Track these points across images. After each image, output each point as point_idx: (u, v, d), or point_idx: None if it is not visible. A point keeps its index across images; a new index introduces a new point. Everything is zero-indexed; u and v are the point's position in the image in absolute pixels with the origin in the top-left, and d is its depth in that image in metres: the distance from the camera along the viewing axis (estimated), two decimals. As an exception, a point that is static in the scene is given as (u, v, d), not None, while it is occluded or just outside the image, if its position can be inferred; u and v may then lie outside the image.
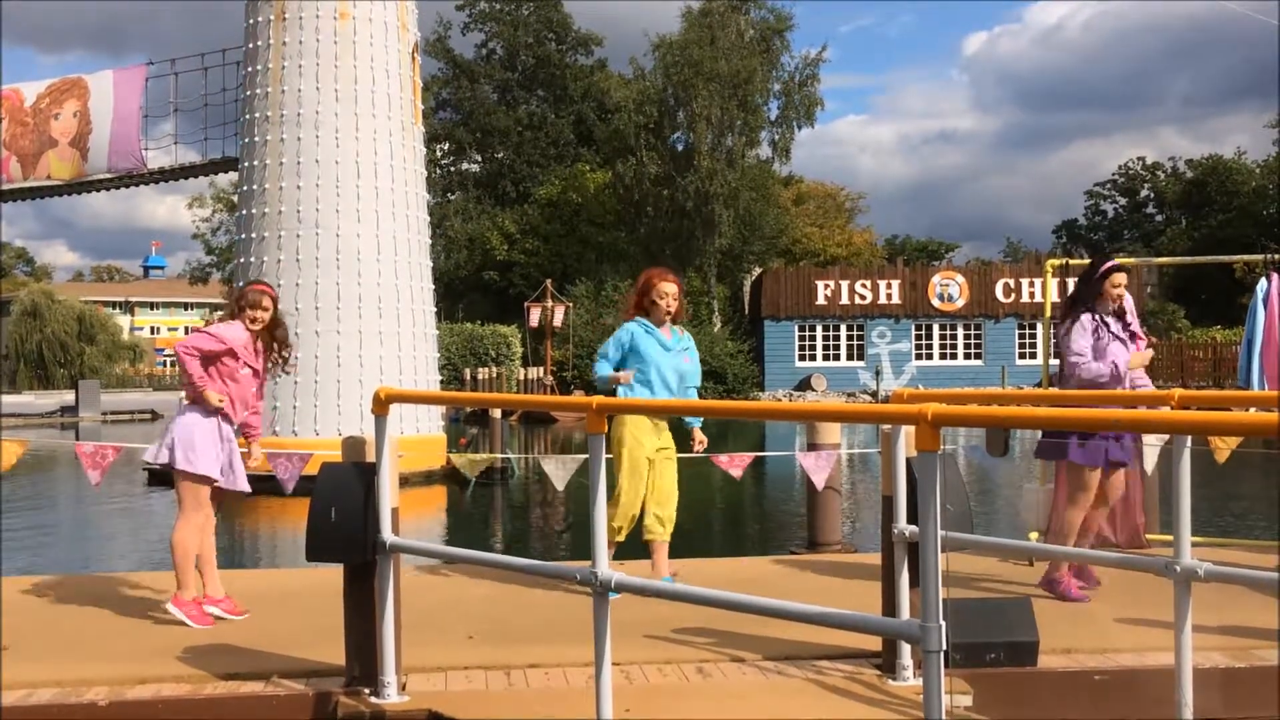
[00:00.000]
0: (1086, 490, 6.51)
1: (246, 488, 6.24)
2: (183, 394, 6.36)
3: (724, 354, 45.73)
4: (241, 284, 6.62)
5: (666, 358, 6.67)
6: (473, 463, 9.49)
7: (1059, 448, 6.55)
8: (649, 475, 6.61)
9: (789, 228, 57.81)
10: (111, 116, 24.14)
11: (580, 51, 62.16)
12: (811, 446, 9.18)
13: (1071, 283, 8.50)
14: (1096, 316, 6.71)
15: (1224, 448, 7.36)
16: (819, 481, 8.89)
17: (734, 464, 8.15)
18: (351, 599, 4.91)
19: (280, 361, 6.44)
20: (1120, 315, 6.85)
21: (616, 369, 6.71)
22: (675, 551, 6.84)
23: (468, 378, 42.68)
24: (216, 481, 6.09)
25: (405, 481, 6.22)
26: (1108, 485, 6.60)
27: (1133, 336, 6.83)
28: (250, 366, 6.27)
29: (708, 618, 5.71)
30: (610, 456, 6.08)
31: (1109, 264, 6.85)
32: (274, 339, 6.40)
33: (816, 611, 3.49)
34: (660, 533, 6.64)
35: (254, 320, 6.26)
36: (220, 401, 6.08)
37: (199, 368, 6.10)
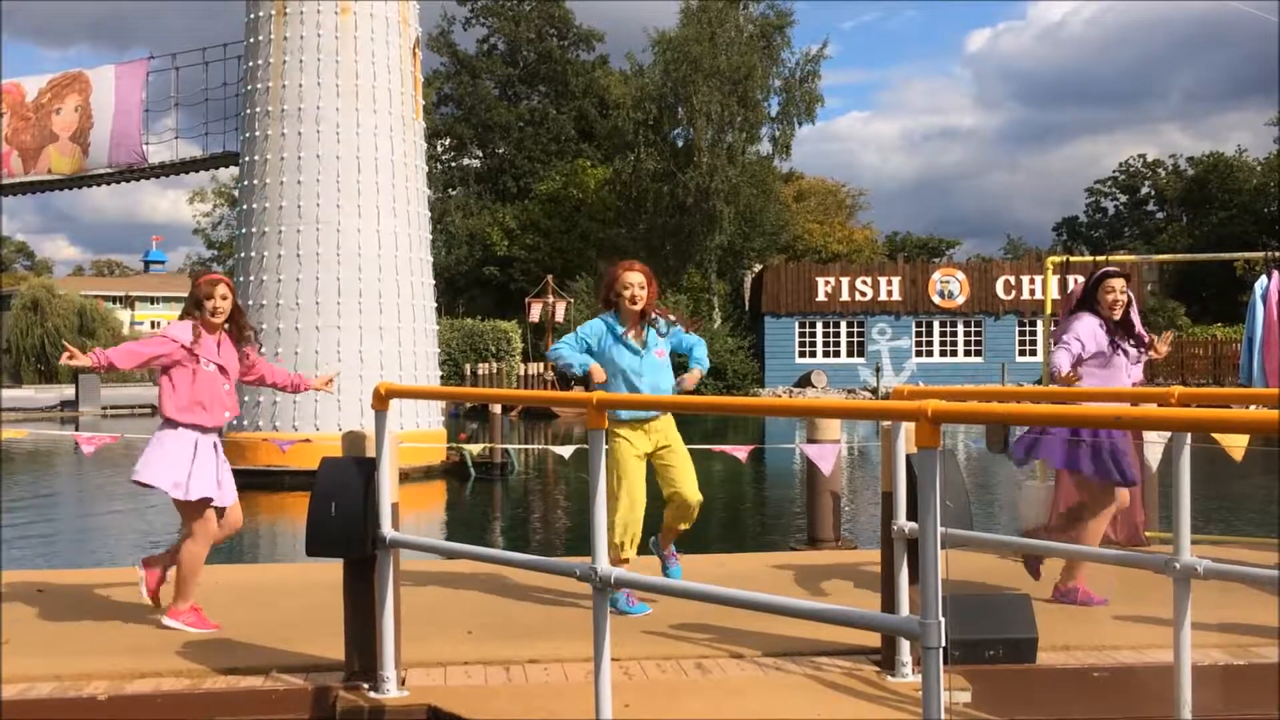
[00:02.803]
0: (1110, 504, 6.11)
1: (229, 502, 5.88)
2: (160, 409, 5.86)
3: (724, 350, 45.69)
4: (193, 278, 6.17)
5: (635, 362, 6.03)
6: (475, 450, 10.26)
7: (1061, 452, 5.98)
8: (665, 479, 6.06)
9: (790, 224, 57.76)
10: (113, 111, 24.12)
11: (581, 47, 62.21)
12: (812, 443, 9.21)
13: (1072, 280, 8.48)
14: (1101, 321, 6.17)
15: (1234, 445, 7.26)
16: (825, 468, 8.93)
17: (737, 450, 8.17)
18: (351, 594, 4.91)
19: (244, 354, 5.96)
20: (1127, 328, 6.16)
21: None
22: (676, 546, 6.44)
23: (468, 373, 42.65)
24: (213, 501, 5.78)
25: (405, 477, 6.21)
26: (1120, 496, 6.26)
27: (1141, 347, 6.25)
28: (215, 363, 5.80)
29: (707, 614, 5.71)
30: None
31: (1102, 270, 6.23)
32: (239, 330, 5.95)
33: (816, 608, 3.49)
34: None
35: (214, 312, 5.81)
36: (89, 363, 5.56)
37: (117, 354, 5.70)
